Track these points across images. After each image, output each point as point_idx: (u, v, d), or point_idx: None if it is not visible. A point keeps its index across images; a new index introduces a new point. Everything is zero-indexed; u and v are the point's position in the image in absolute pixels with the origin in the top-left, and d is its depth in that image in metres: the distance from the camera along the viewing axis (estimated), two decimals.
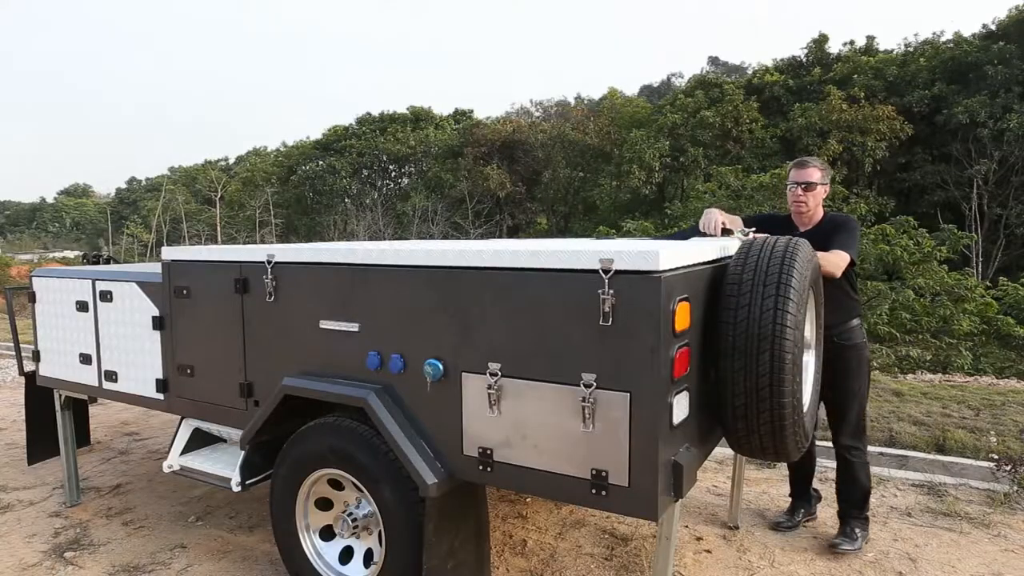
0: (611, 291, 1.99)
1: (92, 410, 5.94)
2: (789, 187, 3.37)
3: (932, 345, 10.01)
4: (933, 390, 6.43)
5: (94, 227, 65.09)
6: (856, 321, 3.31)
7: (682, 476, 2.08)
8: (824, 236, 3.18)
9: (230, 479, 3.05)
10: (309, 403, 2.75)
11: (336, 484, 2.84)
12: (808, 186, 3.31)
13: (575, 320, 2.06)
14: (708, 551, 3.46)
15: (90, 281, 3.64)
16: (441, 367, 2.35)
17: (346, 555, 2.87)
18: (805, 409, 2.63)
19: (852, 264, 3.16)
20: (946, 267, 11.72)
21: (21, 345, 4.45)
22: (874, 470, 4.49)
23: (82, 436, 4.86)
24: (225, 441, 3.48)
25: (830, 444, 3.53)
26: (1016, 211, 20.34)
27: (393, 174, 36.22)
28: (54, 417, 4.14)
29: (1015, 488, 4.07)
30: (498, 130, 30.59)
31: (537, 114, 38.30)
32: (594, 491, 2.10)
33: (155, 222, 40.77)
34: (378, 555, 2.68)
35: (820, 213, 3.38)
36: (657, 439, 1.98)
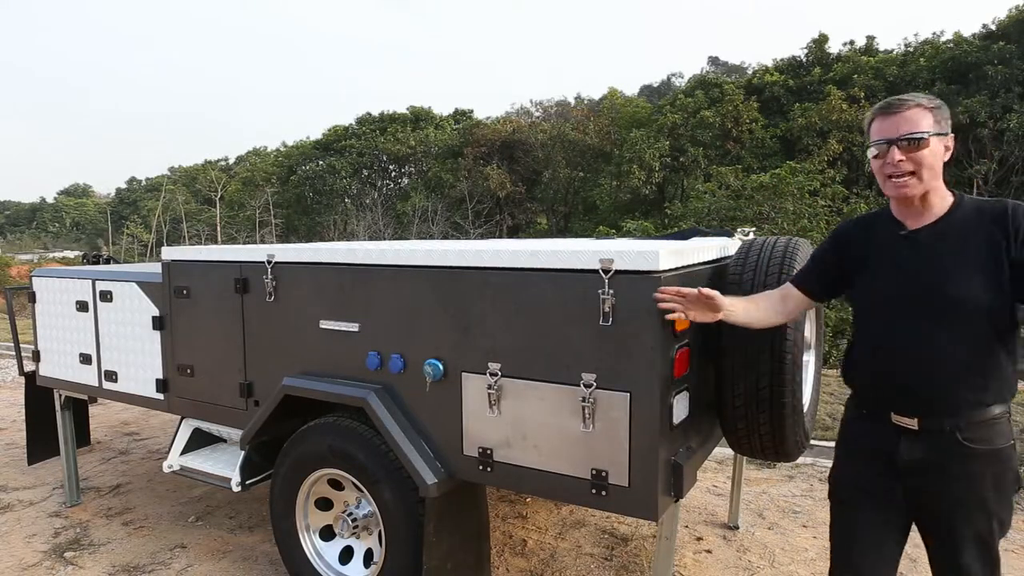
0: (611, 291, 1.99)
1: (92, 410, 5.94)
2: (873, 154, 1.82)
3: None
4: None
5: (94, 227, 65.11)
6: (1000, 409, 1.77)
7: (682, 476, 2.08)
8: (970, 240, 1.74)
9: (230, 479, 3.05)
10: (309, 403, 2.75)
11: (336, 484, 2.84)
12: (911, 143, 1.73)
13: (575, 320, 2.06)
14: (708, 551, 3.46)
15: (90, 281, 3.64)
16: (441, 367, 2.35)
17: (346, 555, 2.87)
18: (805, 409, 2.63)
19: None
20: None
21: (21, 345, 4.45)
22: None
23: (82, 436, 4.86)
24: (225, 441, 3.48)
25: None
26: None
27: (393, 174, 36.20)
28: (54, 417, 4.14)
29: (1015, 488, 4.07)
30: (498, 130, 30.57)
31: (537, 114, 38.27)
32: (594, 491, 2.10)
33: (155, 222, 40.78)
34: (378, 555, 2.68)
35: (944, 196, 1.82)
36: (657, 439, 1.98)
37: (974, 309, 1.71)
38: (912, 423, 1.80)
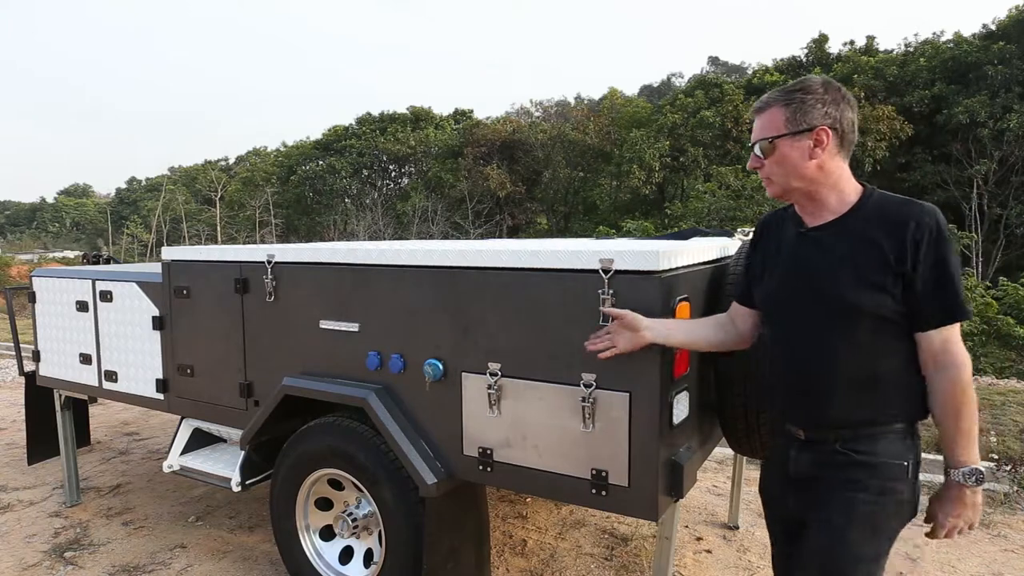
0: (611, 291, 1.99)
1: (92, 410, 5.95)
2: None
3: None
4: None
5: (94, 227, 65.11)
6: (895, 427, 1.62)
7: (682, 476, 2.08)
8: (865, 243, 1.59)
9: (230, 479, 3.05)
10: (309, 403, 2.75)
11: (336, 484, 2.84)
12: (764, 150, 1.69)
13: (575, 320, 2.06)
14: (708, 551, 3.46)
15: (90, 281, 3.64)
16: (441, 367, 2.35)
17: (346, 555, 2.87)
18: None
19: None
20: None
21: (21, 345, 4.45)
22: None
23: (82, 436, 4.86)
24: (225, 441, 3.48)
25: None
26: (1016, 211, 20.34)
27: (393, 174, 36.23)
28: (54, 417, 4.14)
29: (1015, 488, 4.08)
30: (498, 130, 30.60)
31: (537, 114, 38.34)
32: (594, 491, 2.10)
33: (155, 222, 40.80)
34: (378, 555, 2.68)
35: (845, 193, 1.66)
36: (657, 439, 1.98)
37: (862, 317, 1.58)
38: (800, 433, 1.72)
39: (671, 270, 2.01)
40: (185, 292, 3.17)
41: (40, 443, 4.39)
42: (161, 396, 3.37)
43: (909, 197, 1.62)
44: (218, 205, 38.60)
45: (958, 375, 1.55)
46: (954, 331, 1.55)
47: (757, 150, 1.70)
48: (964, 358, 1.56)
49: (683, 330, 1.94)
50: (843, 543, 1.62)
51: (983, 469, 1.58)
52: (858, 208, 1.64)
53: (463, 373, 2.32)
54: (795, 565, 1.74)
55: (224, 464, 3.21)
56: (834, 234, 1.65)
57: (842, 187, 1.66)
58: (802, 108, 1.62)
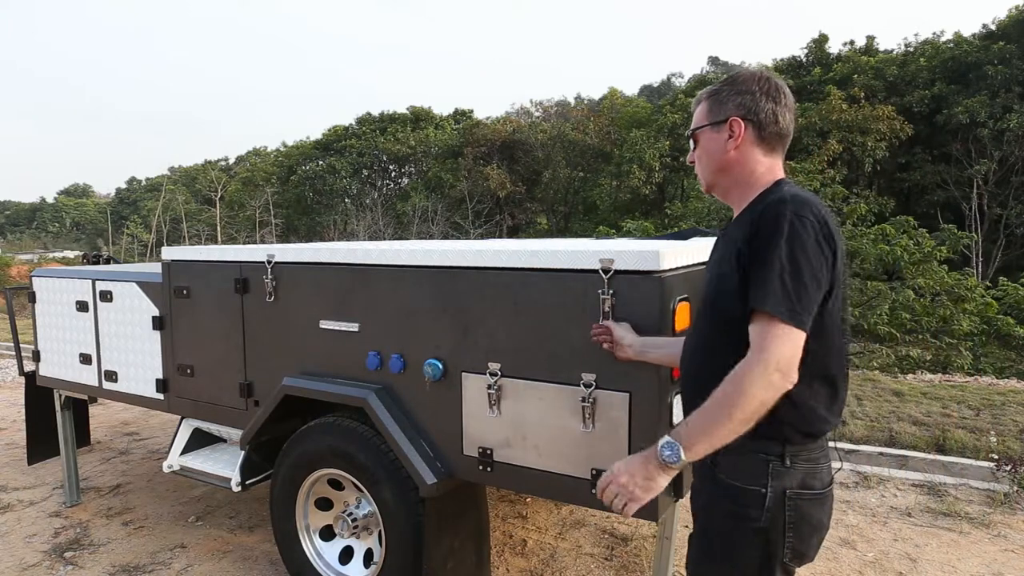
0: (611, 291, 1.99)
1: (92, 410, 5.94)
2: None
3: (932, 345, 10.02)
4: (933, 390, 6.43)
5: (94, 227, 65.14)
6: (761, 445, 1.47)
7: (682, 476, 2.08)
8: (729, 246, 1.52)
9: (230, 479, 3.05)
10: (309, 403, 2.75)
11: (336, 484, 2.84)
12: (693, 144, 1.70)
13: (575, 320, 2.06)
14: None
15: (90, 281, 3.65)
16: (441, 367, 2.35)
17: (346, 555, 2.87)
18: None
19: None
20: (946, 267, 11.74)
21: (21, 345, 4.45)
22: (874, 470, 4.50)
23: (82, 436, 4.86)
24: (225, 441, 3.48)
25: None
26: (1016, 211, 20.33)
27: (393, 174, 36.21)
28: (54, 417, 4.14)
29: (1015, 488, 4.07)
30: (498, 130, 30.58)
31: (537, 114, 38.32)
32: (594, 491, 2.10)
33: (155, 222, 40.79)
34: (378, 555, 2.68)
35: (752, 188, 1.58)
36: (657, 439, 1.98)
37: (723, 320, 1.49)
38: None
39: (671, 270, 2.01)
40: (185, 292, 3.17)
41: (40, 443, 4.39)
42: (161, 396, 3.37)
43: (792, 192, 1.47)
44: (218, 205, 38.60)
45: (747, 360, 1.36)
46: (766, 325, 1.35)
47: (691, 144, 1.71)
48: (763, 353, 1.33)
49: (656, 347, 1.90)
50: (695, 567, 1.60)
51: (683, 458, 1.39)
52: (749, 206, 1.56)
53: (463, 373, 2.32)
54: None
55: (224, 464, 3.21)
56: (728, 232, 1.60)
57: (754, 181, 1.57)
58: (719, 100, 1.61)
